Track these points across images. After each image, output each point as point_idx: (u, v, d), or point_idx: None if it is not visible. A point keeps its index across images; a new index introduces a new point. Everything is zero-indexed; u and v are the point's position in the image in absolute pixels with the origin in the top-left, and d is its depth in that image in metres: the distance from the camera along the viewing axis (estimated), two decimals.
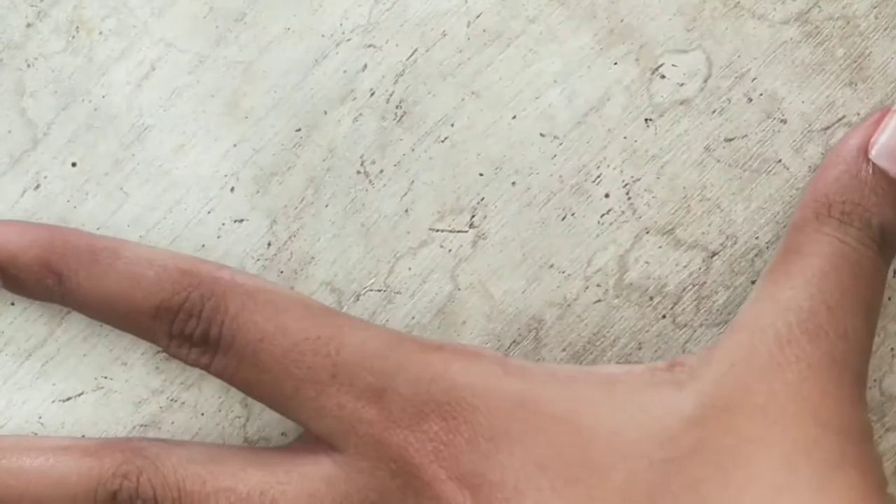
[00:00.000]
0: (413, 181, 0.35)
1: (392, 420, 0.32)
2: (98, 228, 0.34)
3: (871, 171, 0.34)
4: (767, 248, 0.35)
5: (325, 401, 0.32)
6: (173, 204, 0.35)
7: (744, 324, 0.33)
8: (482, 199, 0.35)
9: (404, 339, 0.33)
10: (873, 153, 0.34)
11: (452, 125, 0.35)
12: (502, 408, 0.32)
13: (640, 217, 0.35)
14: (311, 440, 0.33)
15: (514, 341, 0.35)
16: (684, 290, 0.36)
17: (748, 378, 0.32)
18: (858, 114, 0.35)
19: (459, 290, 0.35)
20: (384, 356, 0.33)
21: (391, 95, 0.35)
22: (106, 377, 0.35)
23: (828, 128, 0.35)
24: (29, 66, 0.34)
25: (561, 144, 0.35)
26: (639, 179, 0.35)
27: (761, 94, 0.35)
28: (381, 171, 0.35)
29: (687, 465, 0.31)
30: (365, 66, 0.35)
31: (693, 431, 0.31)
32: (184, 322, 0.33)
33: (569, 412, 0.32)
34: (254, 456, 0.34)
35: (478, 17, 0.35)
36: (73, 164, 0.34)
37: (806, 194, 0.34)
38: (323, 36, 0.35)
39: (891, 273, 0.36)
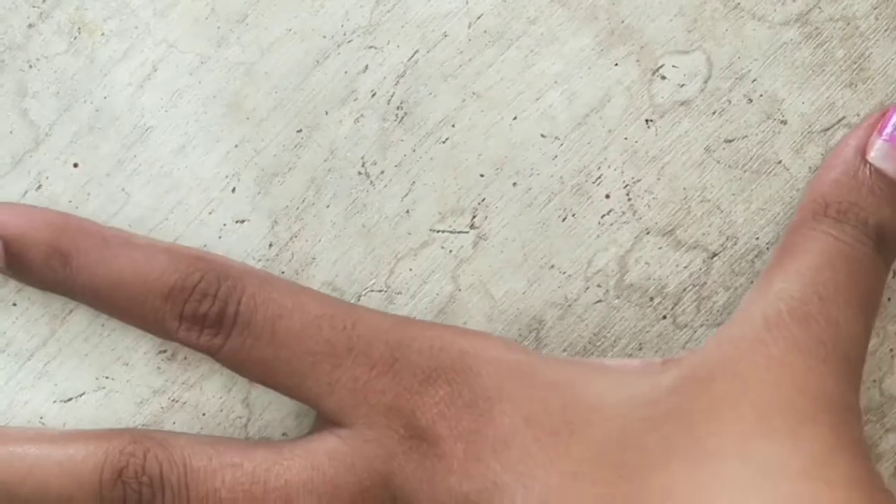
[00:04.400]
0: (414, 182, 0.35)
1: (403, 387, 0.33)
2: None
3: (868, 171, 0.34)
4: (767, 248, 0.36)
5: (340, 374, 0.33)
6: (175, 204, 0.35)
7: (735, 315, 0.34)
8: (483, 199, 0.35)
9: (413, 319, 0.35)
10: (871, 154, 0.34)
11: (453, 126, 0.35)
12: (499, 372, 0.33)
13: (640, 218, 0.35)
14: (317, 428, 0.34)
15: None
16: (685, 290, 0.36)
17: (731, 353, 0.32)
18: (858, 115, 0.35)
19: (460, 290, 0.35)
20: (397, 330, 0.34)
21: (392, 96, 0.35)
22: (107, 377, 0.35)
23: (828, 129, 0.35)
24: (31, 66, 0.34)
25: (562, 145, 0.35)
26: (639, 180, 0.35)
27: (761, 95, 0.35)
28: (382, 172, 0.35)
29: (661, 423, 0.32)
30: (366, 67, 0.35)
31: (671, 398, 0.32)
32: (198, 302, 0.33)
33: (561, 380, 0.33)
34: (260, 442, 0.34)
35: (479, 18, 0.35)
36: (75, 165, 0.35)
37: (804, 196, 0.35)
38: (324, 37, 0.35)
39: (891, 274, 0.36)
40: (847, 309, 0.33)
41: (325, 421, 0.34)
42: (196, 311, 0.33)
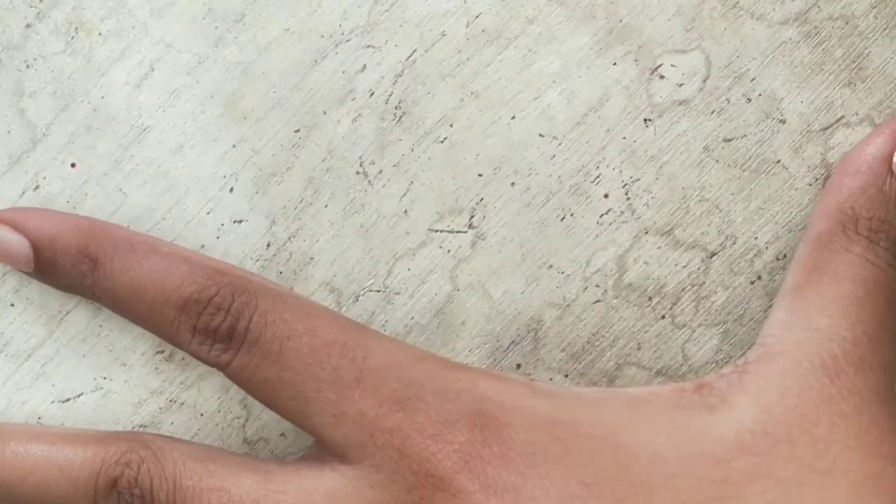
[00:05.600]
0: (412, 182, 0.35)
1: (415, 429, 0.31)
2: None
3: (895, 185, 0.33)
4: (766, 248, 0.35)
5: (346, 406, 0.32)
6: (172, 204, 0.35)
7: (782, 350, 0.33)
8: (481, 199, 0.35)
9: (431, 354, 0.33)
10: (893, 164, 0.33)
11: (451, 125, 0.35)
12: (536, 426, 0.31)
13: (639, 217, 0.35)
14: (317, 455, 0.33)
15: (513, 342, 0.35)
16: (683, 290, 0.36)
17: (802, 409, 0.32)
18: (857, 114, 0.35)
19: (458, 290, 0.35)
20: (411, 366, 0.32)
21: (390, 96, 0.35)
22: (105, 378, 0.35)
23: (827, 128, 0.35)
24: (28, 66, 0.34)
25: (560, 145, 0.35)
26: (638, 180, 0.35)
27: (760, 95, 0.35)
28: (381, 172, 0.35)
29: (745, 489, 0.31)
30: (364, 66, 0.35)
31: (745, 457, 0.31)
32: (211, 315, 0.32)
33: (605, 431, 0.31)
34: (254, 462, 0.33)
35: (477, 17, 0.35)
36: (73, 165, 0.34)
37: (828, 202, 0.34)
38: (322, 36, 0.35)
39: None
40: (891, 347, 0.32)
41: (325, 451, 0.33)
42: (208, 324, 0.32)
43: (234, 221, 0.35)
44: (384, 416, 0.31)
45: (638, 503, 0.30)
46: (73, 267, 0.33)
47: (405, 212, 0.35)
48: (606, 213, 0.35)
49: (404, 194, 0.35)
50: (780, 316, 0.33)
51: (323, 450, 0.33)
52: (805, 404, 0.32)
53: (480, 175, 0.35)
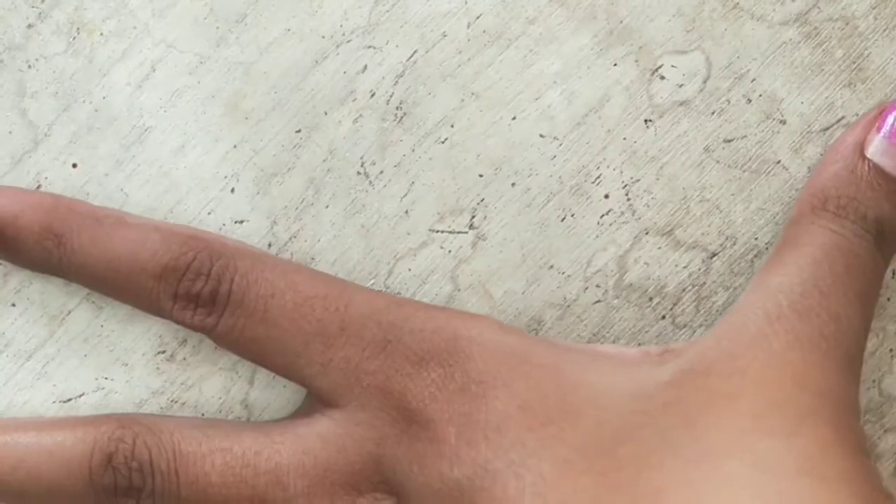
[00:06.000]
0: (413, 182, 0.35)
1: (395, 369, 0.33)
2: None
3: (867, 167, 0.34)
4: (766, 248, 0.35)
5: (332, 354, 0.33)
6: (174, 205, 0.35)
7: (734, 309, 0.34)
8: (482, 199, 0.35)
9: (409, 300, 0.34)
10: (870, 150, 0.34)
11: (452, 126, 0.35)
12: (494, 356, 0.33)
13: (639, 218, 0.35)
14: (309, 405, 0.34)
15: None
16: (684, 290, 0.36)
17: (731, 347, 0.32)
18: (857, 114, 0.35)
19: (459, 290, 0.35)
20: (390, 311, 0.33)
21: (391, 96, 0.35)
22: (106, 378, 0.35)
23: (827, 129, 0.35)
24: (30, 67, 0.34)
25: (561, 145, 0.35)
26: (638, 180, 0.35)
27: (760, 95, 0.35)
28: (381, 172, 0.35)
29: (658, 416, 0.32)
30: (365, 67, 0.35)
31: (668, 391, 0.32)
32: (191, 281, 0.33)
33: (555, 365, 0.33)
34: (250, 424, 0.34)
35: (478, 17, 0.35)
36: (74, 166, 0.35)
37: (803, 192, 0.35)
38: (323, 37, 0.35)
39: (890, 273, 0.36)
40: (847, 303, 0.33)
41: (314, 400, 0.34)
42: (189, 290, 0.33)
43: (236, 222, 0.35)
44: (368, 360, 0.33)
45: (562, 426, 0.32)
46: (36, 244, 0.33)
47: (406, 212, 0.35)
48: (607, 213, 0.35)
49: (405, 195, 0.35)
50: (746, 290, 0.34)
51: (314, 400, 0.34)
52: (735, 345, 0.32)
53: (481, 175, 0.35)
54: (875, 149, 0.34)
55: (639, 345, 0.35)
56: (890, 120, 0.34)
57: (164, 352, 0.35)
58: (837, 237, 0.33)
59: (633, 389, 0.32)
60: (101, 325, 0.35)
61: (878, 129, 0.34)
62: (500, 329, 0.34)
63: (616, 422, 0.32)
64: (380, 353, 0.33)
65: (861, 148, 0.34)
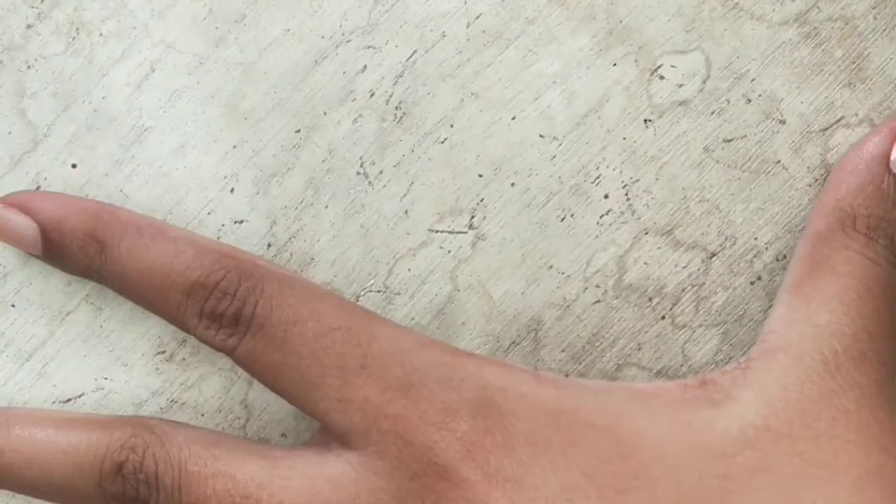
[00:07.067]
0: (412, 182, 0.35)
1: (419, 416, 0.31)
2: None
3: (893, 182, 0.33)
4: (766, 248, 0.35)
5: (350, 392, 0.32)
6: (173, 205, 0.35)
7: (784, 346, 0.33)
8: (481, 200, 0.35)
9: (436, 341, 0.33)
10: (891, 163, 0.33)
11: (452, 126, 0.35)
12: (539, 415, 0.31)
13: (639, 218, 0.35)
14: (323, 441, 0.33)
15: (513, 342, 0.35)
16: (683, 290, 0.36)
17: (804, 404, 0.32)
18: (857, 115, 0.35)
19: (459, 291, 0.35)
20: (416, 352, 0.32)
21: (391, 96, 0.35)
22: (106, 378, 0.35)
23: (826, 129, 0.35)
24: (29, 67, 0.34)
25: (560, 145, 0.35)
26: (638, 180, 0.35)
27: (760, 95, 0.35)
28: (381, 172, 0.35)
29: (747, 484, 0.31)
30: (364, 67, 0.35)
31: (748, 451, 0.31)
32: (217, 300, 0.32)
33: (608, 423, 0.31)
34: (259, 448, 0.33)
35: (477, 18, 0.35)
36: (74, 166, 0.35)
37: (827, 200, 0.34)
38: (322, 37, 0.35)
39: None
40: (890, 342, 0.32)
41: (328, 436, 0.33)
42: (214, 309, 0.32)
43: (235, 222, 0.35)
44: (388, 403, 0.31)
45: (640, 496, 0.30)
46: (79, 250, 0.33)
47: (405, 212, 0.35)
48: (606, 213, 0.35)
49: (405, 195, 0.35)
50: (781, 312, 0.33)
51: (328, 435, 0.33)
52: (806, 399, 0.32)
53: (481, 175, 0.35)
54: None
55: (639, 347, 0.35)
56: None
57: (163, 352, 0.35)
58: (875, 267, 0.33)
59: (701, 444, 0.31)
60: (101, 326, 0.35)
61: None
62: (535, 381, 0.32)
63: (697, 486, 0.30)
64: (402, 396, 0.31)
65: (887, 161, 0.33)
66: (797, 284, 0.34)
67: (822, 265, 0.33)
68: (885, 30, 0.35)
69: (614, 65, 0.35)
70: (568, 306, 0.35)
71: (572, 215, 0.35)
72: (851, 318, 0.32)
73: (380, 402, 0.31)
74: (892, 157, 0.33)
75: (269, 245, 0.35)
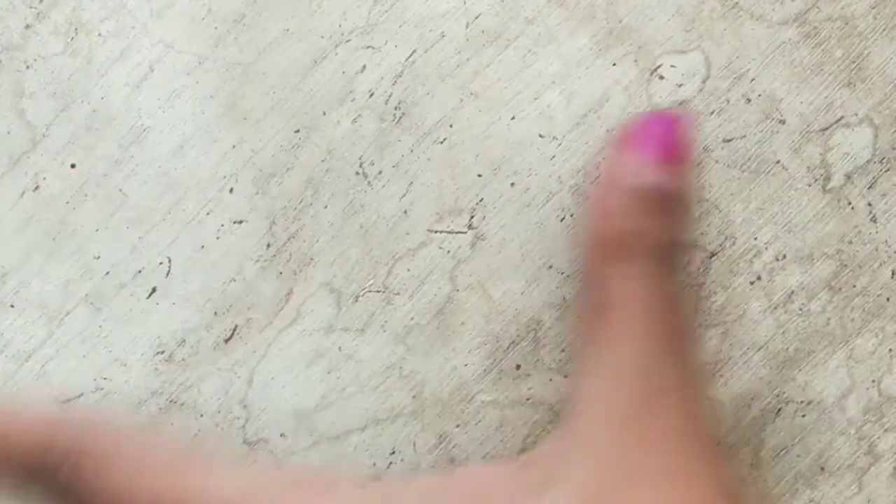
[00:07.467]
0: (412, 182, 0.35)
1: None
2: (97, 230, 0.35)
3: (628, 193, 0.33)
4: (766, 248, 0.35)
5: None
6: (172, 205, 0.35)
7: (582, 404, 0.32)
8: (481, 199, 0.35)
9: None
10: (624, 174, 0.33)
11: (451, 126, 0.35)
12: None
13: None
14: None
15: (512, 342, 0.35)
16: (683, 290, 0.36)
17: (615, 473, 0.31)
18: (856, 114, 0.35)
19: (458, 291, 0.35)
20: None
21: (390, 96, 0.35)
22: (105, 378, 0.35)
23: (826, 128, 0.35)
24: (28, 67, 0.34)
25: (560, 145, 0.35)
26: None
27: (760, 95, 0.35)
28: (380, 173, 0.35)
29: None
30: (364, 67, 0.35)
31: None
32: None
33: None
34: None
35: (476, 18, 0.35)
36: (72, 166, 0.34)
37: (584, 236, 0.34)
38: (322, 37, 0.35)
39: (890, 273, 0.36)
40: (688, 356, 0.32)
41: None
42: None
43: (234, 222, 0.35)
44: None
45: None
46: None
47: (405, 212, 0.35)
48: None
49: (404, 195, 0.35)
50: (577, 368, 0.33)
51: None
52: (609, 475, 0.31)
53: (480, 175, 0.35)
54: (629, 171, 0.33)
55: None
56: (633, 138, 0.33)
57: (162, 352, 0.35)
58: (646, 286, 0.32)
59: None
60: (100, 326, 0.35)
61: (628, 152, 0.33)
62: (360, 486, 0.32)
63: None
64: None
65: (619, 177, 0.33)
66: (587, 331, 0.33)
67: (598, 303, 0.33)
68: (885, 30, 0.35)
69: (614, 65, 0.35)
70: (568, 306, 0.35)
71: (572, 215, 0.35)
72: (638, 352, 0.32)
73: None
74: (619, 170, 0.33)
75: (268, 245, 0.35)
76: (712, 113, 0.35)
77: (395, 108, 0.35)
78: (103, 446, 0.32)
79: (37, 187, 0.35)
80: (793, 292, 0.36)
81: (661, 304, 0.32)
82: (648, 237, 0.32)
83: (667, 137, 0.33)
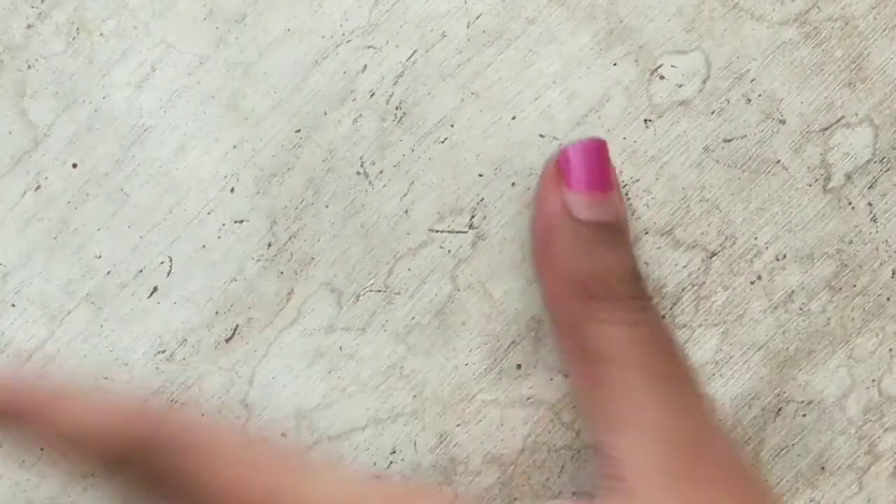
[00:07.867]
0: (413, 182, 0.35)
1: None
2: (98, 230, 0.35)
3: (583, 229, 0.32)
4: (766, 248, 0.36)
5: None
6: (173, 205, 0.35)
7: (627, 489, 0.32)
8: (482, 199, 0.35)
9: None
10: (575, 210, 0.33)
11: (452, 126, 0.35)
12: None
13: (639, 217, 0.35)
14: None
15: (513, 342, 0.35)
16: (683, 290, 0.36)
17: None
18: (857, 114, 0.35)
19: (459, 290, 0.35)
20: None
21: (391, 96, 0.35)
22: (106, 378, 0.35)
23: (826, 128, 0.35)
24: (30, 67, 0.34)
25: (560, 145, 0.35)
26: (638, 180, 0.35)
27: (760, 95, 0.35)
28: (381, 172, 0.35)
29: None
30: (365, 67, 0.35)
31: None
32: None
33: None
34: None
35: (477, 18, 0.35)
36: (74, 166, 0.35)
37: (545, 283, 0.34)
38: (323, 37, 0.35)
39: (890, 273, 0.36)
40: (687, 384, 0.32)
41: None
42: None
43: (235, 222, 0.35)
44: None
45: None
46: None
47: (406, 212, 0.35)
48: None
49: (405, 194, 0.35)
50: (590, 411, 0.33)
51: None
52: None
53: (481, 175, 0.35)
54: (577, 206, 0.32)
55: None
56: (573, 174, 0.33)
57: (163, 351, 0.35)
58: (620, 327, 0.32)
59: None
60: (101, 325, 0.35)
61: (569, 187, 0.33)
62: None
63: None
64: None
65: (569, 211, 0.32)
66: (584, 382, 0.33)
67: (586, 357, 0.32)
68: (885, 30, 0.35)
69: (614, 65, 0.35)
70: None
71: None
72: (651, 405, 0.31)
73: None
74: (568, 205, 0.33)
75: (269, 245, 0.35)
76: (712, 113, 0.35)
77: (396, 108, 0.35)
78: (211, 440, 0.32)
79: (38, 187, 0.35)
80: (793, 292, 0.36)
81: (648, 341, 0.32)
82: (607, 275, 0.32)
83: (591, 169, 0.33)
